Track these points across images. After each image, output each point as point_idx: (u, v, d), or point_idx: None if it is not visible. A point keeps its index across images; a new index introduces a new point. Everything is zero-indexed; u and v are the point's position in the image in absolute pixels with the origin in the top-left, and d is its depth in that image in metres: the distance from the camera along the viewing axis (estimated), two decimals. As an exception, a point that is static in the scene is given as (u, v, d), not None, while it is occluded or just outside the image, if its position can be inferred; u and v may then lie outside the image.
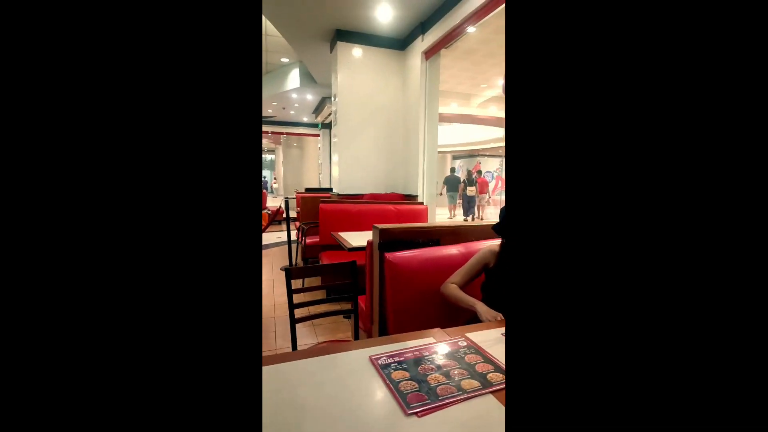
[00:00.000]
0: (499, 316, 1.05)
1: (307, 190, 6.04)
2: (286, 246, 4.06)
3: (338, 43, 3.88)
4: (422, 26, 3.59)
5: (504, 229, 1.20)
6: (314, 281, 1.49)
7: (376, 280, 1.38)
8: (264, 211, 7.35)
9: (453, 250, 1.44)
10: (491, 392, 0.62)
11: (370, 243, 1.45)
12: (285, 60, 6.09)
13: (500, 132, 11.10)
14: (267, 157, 18.06)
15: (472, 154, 16.71)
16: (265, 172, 19.01)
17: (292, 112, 8.90)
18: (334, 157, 4.27)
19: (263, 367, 0.68)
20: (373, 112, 4.05)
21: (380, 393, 0.62)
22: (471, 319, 1.21)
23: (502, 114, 8.43)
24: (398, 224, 1.47)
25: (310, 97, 7.31)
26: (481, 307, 1.10)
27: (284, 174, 12.59)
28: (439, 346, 0.80)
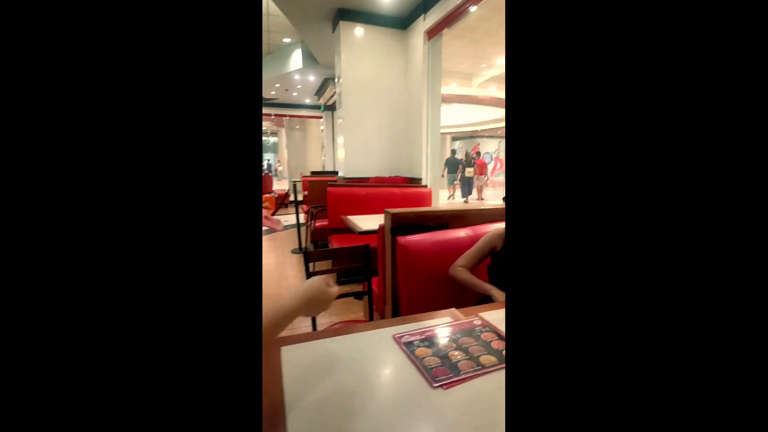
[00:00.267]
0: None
1: (313, 173, 6.04)
2: (295, 229, 4.13)
3: (340, 22, 3.82)
4: (424, 5, 3.52)
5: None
6: (324, 264, 1.54)
7: (389, 262, 1.43)
8: (271, 195, 7.37)
9: (462, 233, 1.48)
10: (508, 367, 0.67)
11: (382, 227, 1.49)
12: (287, 40, 5.99)
13: (499, 113, 10.97)
14: (270, 140, 17.86)
15: (471, 135, 16.50)
16: (269, 155, 18.85)
17: (294, 93, 8.79)
18: (339, 140, 4.27)
19: (286, 347, 0.74)
20: (376, 94, 4.02)
21: (407, 369, 0.68)
22: (480, 299, 1.26)
23: (501, 94, 8.28)
24: (409, 208, 1.51)
25: (313, 78, 7.22)
26: (497, 292, 1.14)
27: (288, 157, 12.53)
28: (456, 325, 0.85)
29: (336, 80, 4.24)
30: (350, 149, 4.07)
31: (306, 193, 3.99)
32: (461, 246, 1.38)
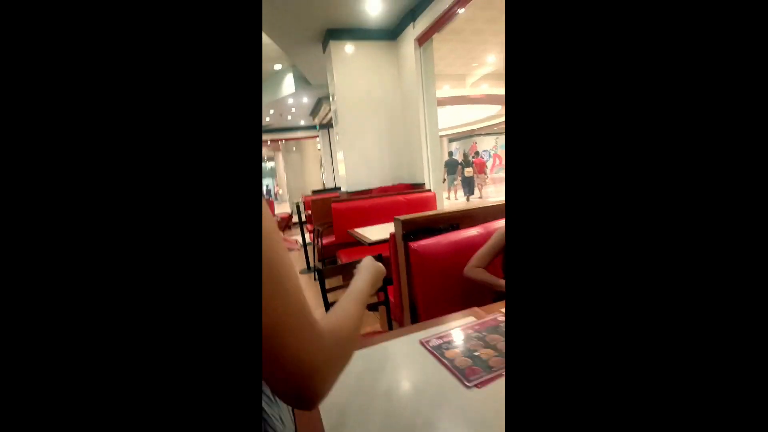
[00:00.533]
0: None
1: (314, 192, 6.08)
2: (302, 250, 4.12)
3: (330, 42, 3.89)
4: (412, 13, 3.58)
5: None
6: (335, 281, 1.53)
7: (403, 269, 1.42)
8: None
9: (473, 231, 1.47)
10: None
11: (393, 235, 1.48)
12: (278, 67, 6.09)
13: (494, 109, 10.99)
14: (267, 165, 18.03)
15: (467, 135, 16.53)
16: (268, 180, 19.00)
17: (289, 117, 8.91)
18: (339, 156, 4.30)
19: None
20: (372, 106, 4.06)
21: (439, 371, 0.66)
22: (497, 296, 1.25)
23: (494, 91, 8.31)
24: (418, 213, 1.50)
25: (306, 100, 7.32)
26: None
27: (287, 179, 12.63)
28: (480, 324, 0.83)
29: (331, 98, 4.29)
30: (351, 164, 4.09)
31: (309, 212, 4.00)
32: (474, 244, 1.36)
